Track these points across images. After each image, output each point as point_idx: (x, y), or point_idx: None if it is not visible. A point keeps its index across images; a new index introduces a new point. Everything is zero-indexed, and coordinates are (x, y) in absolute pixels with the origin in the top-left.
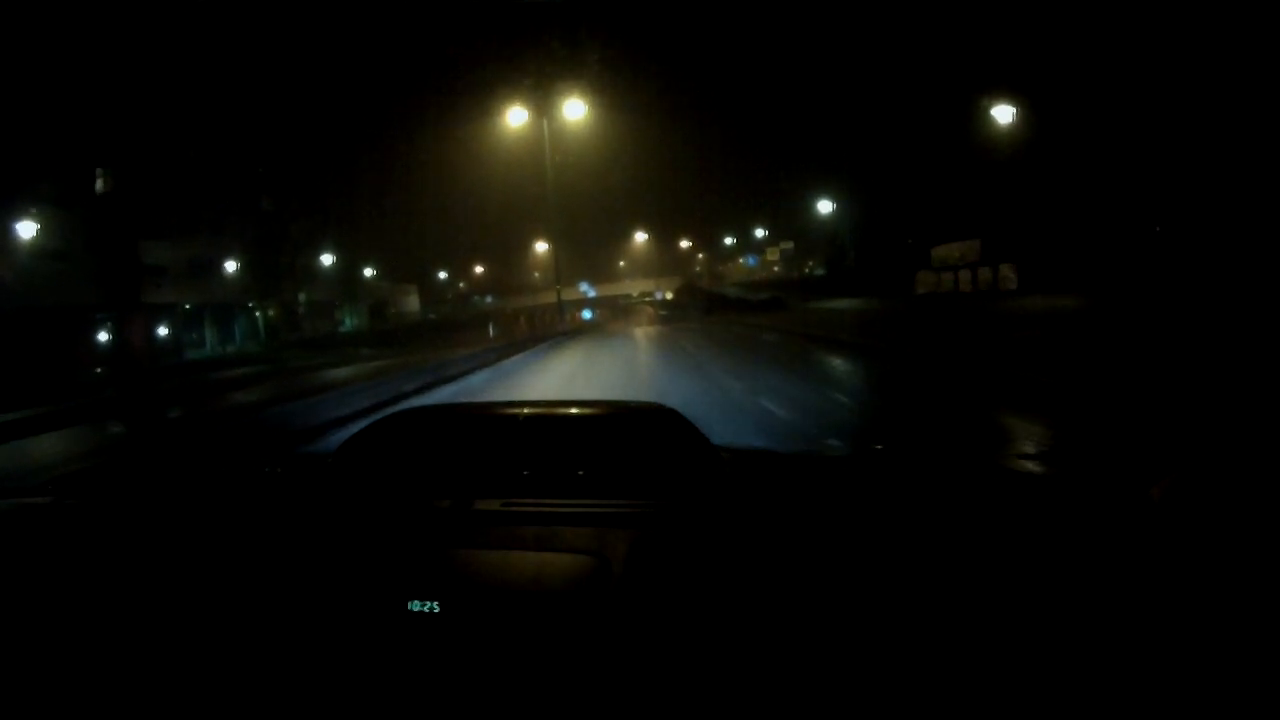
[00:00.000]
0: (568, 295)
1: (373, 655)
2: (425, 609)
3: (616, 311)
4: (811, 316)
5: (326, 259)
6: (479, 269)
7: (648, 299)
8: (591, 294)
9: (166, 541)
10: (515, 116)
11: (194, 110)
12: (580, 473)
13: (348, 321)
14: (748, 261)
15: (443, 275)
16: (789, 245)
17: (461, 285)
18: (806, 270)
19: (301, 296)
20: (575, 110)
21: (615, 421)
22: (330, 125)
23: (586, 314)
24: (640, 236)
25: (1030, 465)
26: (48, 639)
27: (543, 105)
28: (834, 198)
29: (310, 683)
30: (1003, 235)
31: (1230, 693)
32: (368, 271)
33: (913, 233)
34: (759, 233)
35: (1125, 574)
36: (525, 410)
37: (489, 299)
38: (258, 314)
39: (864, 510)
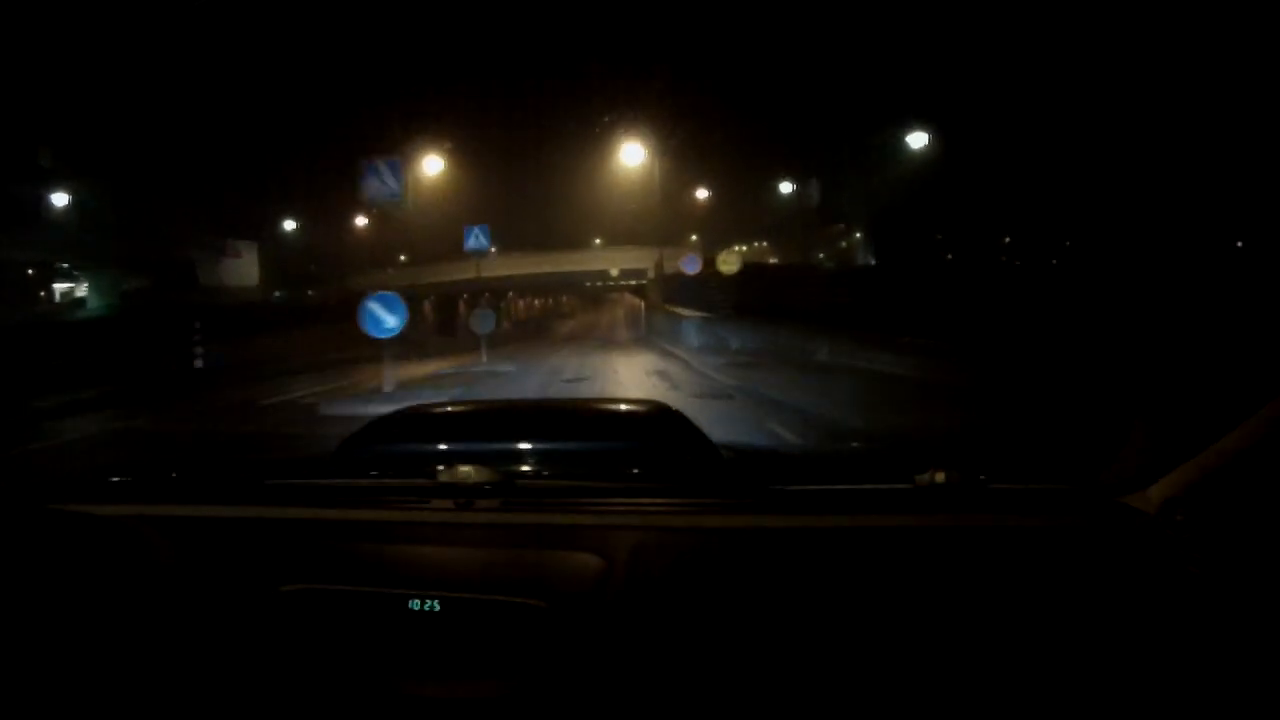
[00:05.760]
0: (455, 274)
1: (373, 655)
2: (426, 608)
3: (585, 303)
4: None
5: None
6: (362, 221)
7: (637, 281)
8: (490, 258)
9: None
10: None
11: None
12: (581, 472)
13: (91, 302)
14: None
15: (290, 226)
16: None
17: (397, 261)
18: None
19: None
20: None
21: (616, 420)
22: None
23: (483, 322)
24: (633, 154)
25: None
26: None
27: None
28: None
29: (311, 682)
30: None
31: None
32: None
33: None
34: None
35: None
36: (526, 409)
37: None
38: None
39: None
